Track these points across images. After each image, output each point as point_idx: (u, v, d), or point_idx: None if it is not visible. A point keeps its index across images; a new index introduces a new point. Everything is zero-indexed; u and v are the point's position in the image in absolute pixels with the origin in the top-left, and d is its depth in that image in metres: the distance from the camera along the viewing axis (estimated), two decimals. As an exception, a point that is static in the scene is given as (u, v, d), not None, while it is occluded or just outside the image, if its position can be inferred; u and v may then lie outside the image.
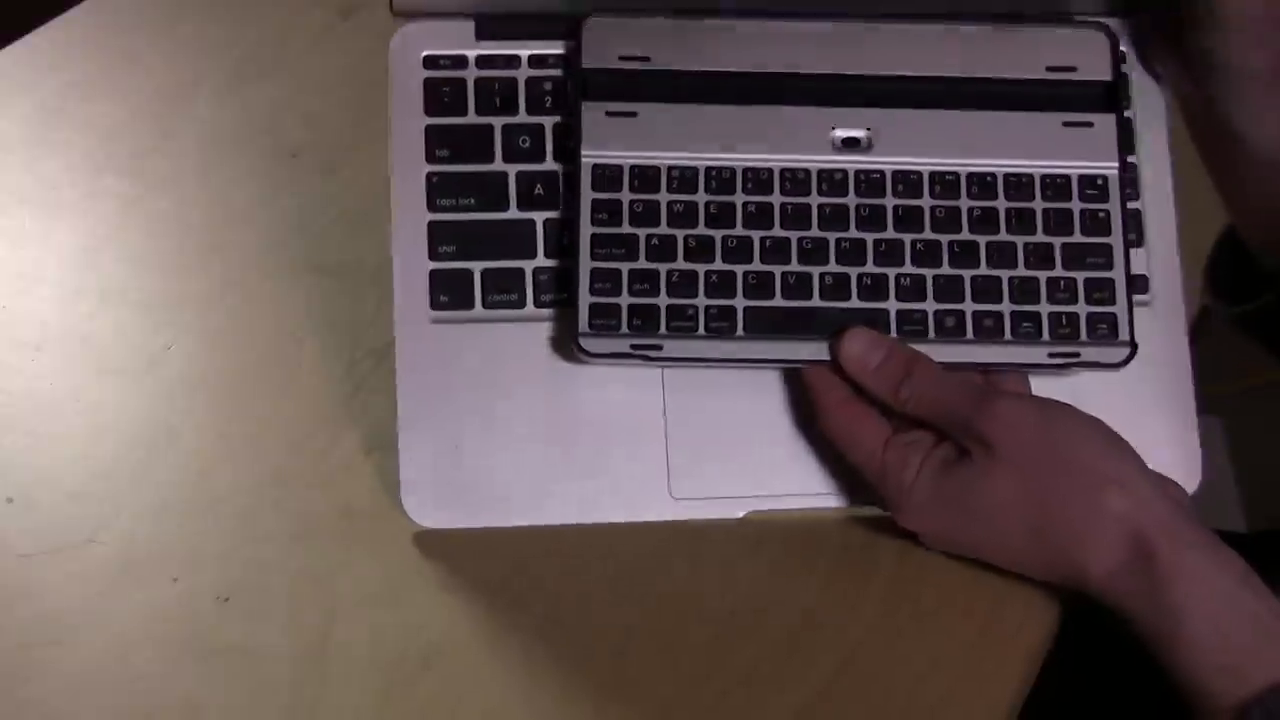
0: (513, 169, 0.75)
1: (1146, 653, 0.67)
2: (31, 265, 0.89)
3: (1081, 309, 0.74)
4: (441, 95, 0.76)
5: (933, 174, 0.74)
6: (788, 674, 0.70)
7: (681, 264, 0.72)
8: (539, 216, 0.75)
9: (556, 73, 0.76)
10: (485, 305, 0.75)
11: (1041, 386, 0.74)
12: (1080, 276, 0.74)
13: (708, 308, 0.72)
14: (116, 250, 0.89)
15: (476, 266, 0.75)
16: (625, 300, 0.72)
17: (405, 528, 0.75)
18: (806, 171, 0.74)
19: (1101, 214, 0.75)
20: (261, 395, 0.82)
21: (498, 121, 0.76)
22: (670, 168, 0.73)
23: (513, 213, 0.75)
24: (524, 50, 0.76)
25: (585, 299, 0.72)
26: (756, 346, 0.72)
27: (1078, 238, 0.75)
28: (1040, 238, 0.74)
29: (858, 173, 0.74)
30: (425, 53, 0.76)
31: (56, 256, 0.90)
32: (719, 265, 0.73)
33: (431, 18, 0.77)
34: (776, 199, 0.74)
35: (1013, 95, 0.76)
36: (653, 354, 0.72)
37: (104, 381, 0.82)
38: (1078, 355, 0.74)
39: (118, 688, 0.68)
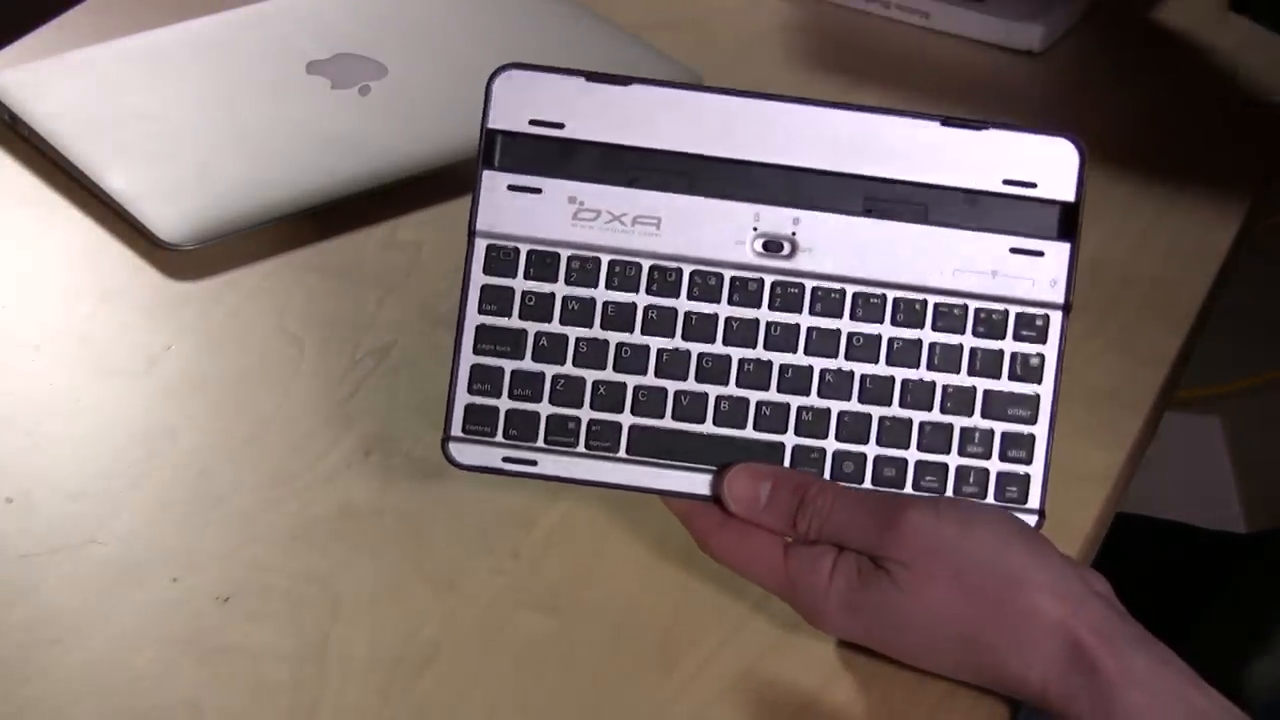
0: None
1: None
2: (31, 265, 0.89)
3: (993, 465, 0.68)
4: None
5: (856, 295, 0.68)
6: (788, 672, 0.70)
7: (569, 369, 0.67)
8: None
9: None
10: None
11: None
12: (998, 428, 0.68)
13: (590, 422, 0.67)
14: (116, 250, 0.89)
15: None
16: (504, 404, 0.67)
17: (405, 528, 0.75)
18: (719, 276, 0.68)
19: (1035, 360, 0.68)
20: (261, 395, 0.81)
21: None
22: (570, 257, 0.68)
23: None
24: None
25: (462, 398, 0.67)
26: (638, 472, 0.68)
27: (1004, 384, 0.68)
28: (963, 379, 0.68)
29: (775, 283, 0.68)
30: None
31: (57, 256, 0.90)
32: (608, 375, 0.67)
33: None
34: (682, 304, 0.68)
35: (959, 209, 0.69)
36: (528, 469, 0.67)
37: (104, 381, 0.82)
38: None
39: (118, 688, 0.68)
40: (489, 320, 0.68)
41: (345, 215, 0.91)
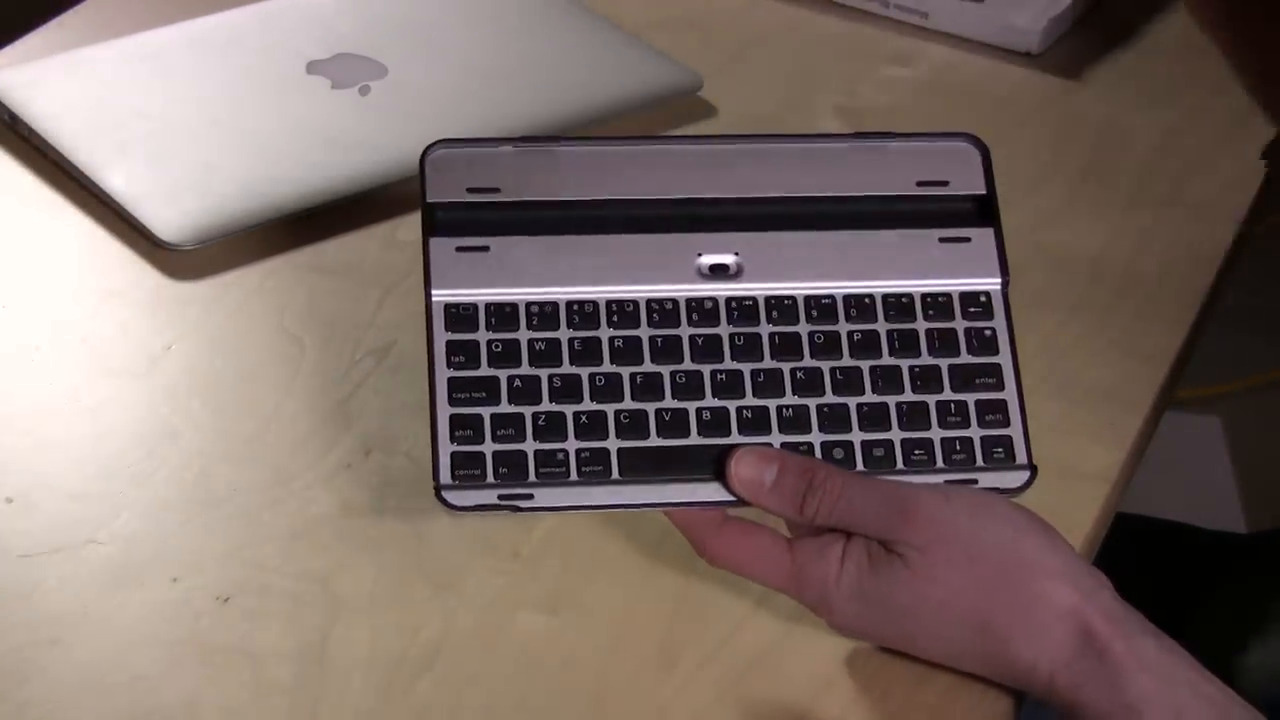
0: None
1: None
2: (32, 265, 0.89)
3: (975, 433, 0.70)
4: None
5: (808, 298, 0.71)
6: (788, 671, 0.70)
7: (547, 405, 0.68)
8: None
9: None
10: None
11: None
12: (970, 398, 0.70)
13: (579, 451, 0.67)
14: (117, 250, 0.89)
15: None
16: (489, 448, 0.67)
17: (405, 528, 0.75)
18: (674, 302, 0.70)
19: (988, 332, 0.71)
20: (262, 395, 0.81)
21: None
22: (529, 304, 0.69)
23: None
24: None
25: (446, 448, 0.67)
26: (635, 490, 0.68)
27: (964, 358, 0.71)
28: (926, 360, 0.71)
29: (729, 300, 0.70)
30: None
31: (57, 256, 0.90)
32: (587, 405, 0.68)
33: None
34: (644, 332, 0.70)
35: (885, 213, 0.73)
36: (523, 504, 0.67)
37: (104, 381, 0.82)
38: (975, 482, 0.70)
39: (118, 688, 0.68)
40: (459, 373, 0.69)
41: (345, 215, 0.91)
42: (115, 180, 0.90)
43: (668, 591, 0.73)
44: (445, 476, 0.67)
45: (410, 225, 0.92)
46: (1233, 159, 1.02)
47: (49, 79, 0.96)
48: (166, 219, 0.88)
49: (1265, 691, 0.64)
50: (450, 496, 0.68)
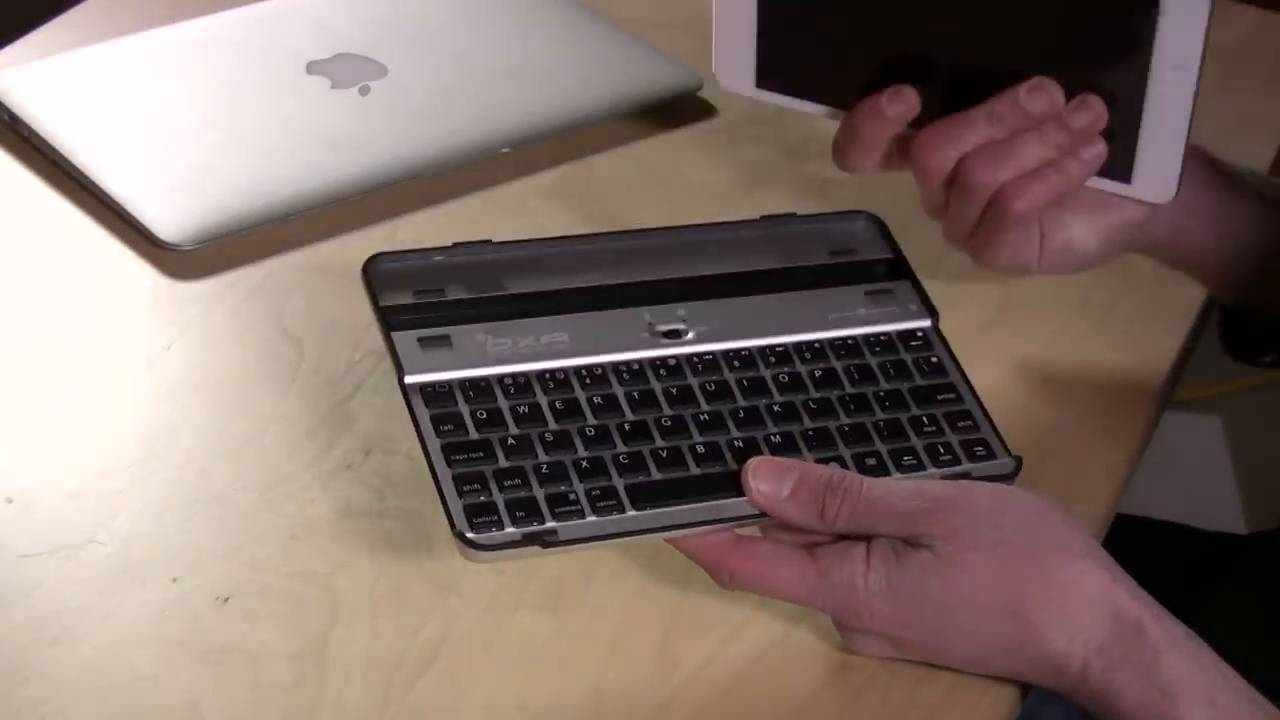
0: None
1: None
2: (32, 265, 0.89)
3: (952, 438, 0.73)
4: None
5: (762, 349, 0.75)
6: (788, 672, 0.70)
7: (545, 457, 0.69)
8: None
9: None
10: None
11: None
12: (938, 411, 0.74)
13: (588, 490, 0.68)
14: (116, 250, 0.89)
15: None
16: (500, 498, 0.68)
17: (405, 528, 0.75)
18: (639, 363, 0.73)
19: (934, 359, 0.76)
20: (261, 395, 0.81)
21: None
22: (501, 377, 0.72)
23: None
24: None
25: (456, 503, 0.68)
26: (654, 515, 0.69)
27: (921, 380, 0.75)
28: (886, 385, 0.74)
29: (689, 357, 0.74)
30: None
31: (57, 256, 0.90)
32: (584, 453, 0.70)
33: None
34: (619, 390, 0.72)
35: (809, 277, 0.78)
36: (550, 539, 0.67)
37: (104, 381, 0.82)
38: (969, 474, 0.72)
39: (118, 688, 0.68)
40: (451, 439, 0.70)
41: (345, 215, 0.91)
42: (115, 180, 0.90)
43: (668, 591, 0.73)
44: (463, 527, 0.68)
45: (410, 225, 0.92)
46: (1233, 159, 1.02)
47: (49, 79, 0.96)
48: (166, 219, 0.88)
49: (1264, 690, 0.64)
50: (477, 538, 0.68)
